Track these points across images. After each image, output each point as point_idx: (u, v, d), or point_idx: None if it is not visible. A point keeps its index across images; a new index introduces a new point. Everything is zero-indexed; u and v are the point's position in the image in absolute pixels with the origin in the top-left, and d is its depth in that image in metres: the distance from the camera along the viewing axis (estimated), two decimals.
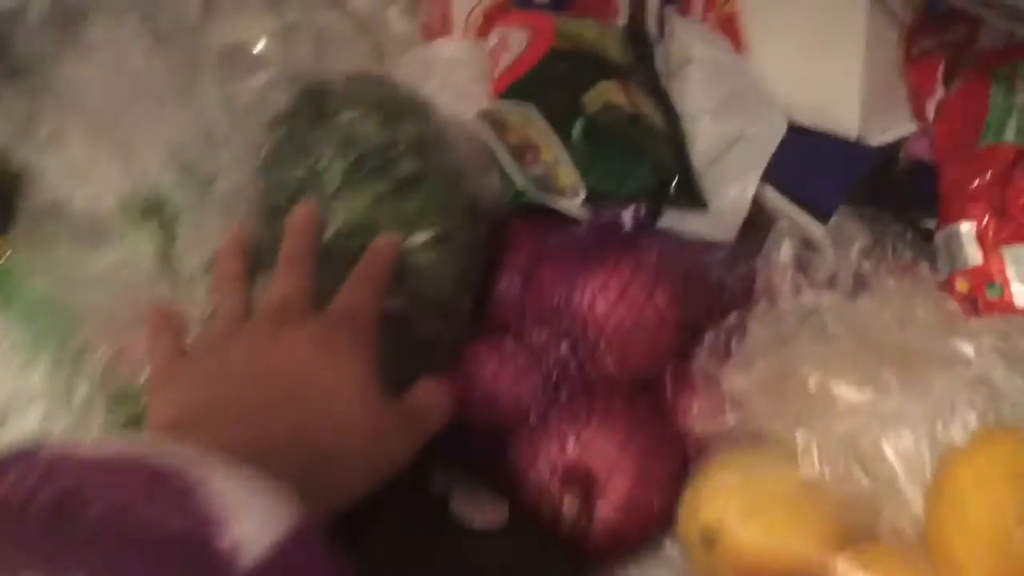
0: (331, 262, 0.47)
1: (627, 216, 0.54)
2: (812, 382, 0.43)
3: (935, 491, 0.39)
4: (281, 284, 0.46)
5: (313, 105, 0.50)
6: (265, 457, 0.32)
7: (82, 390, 0.51)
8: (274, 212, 0.49)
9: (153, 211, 0.49)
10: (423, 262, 0.50)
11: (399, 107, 0.51)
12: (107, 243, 0.52)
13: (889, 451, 0.41)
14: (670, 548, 0.48)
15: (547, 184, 0.59)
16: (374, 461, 0.40)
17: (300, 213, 0.48)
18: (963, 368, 0.42)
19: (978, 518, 0.37)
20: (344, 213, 0.48)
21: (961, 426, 0.41)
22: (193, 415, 0.39)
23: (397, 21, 0.80)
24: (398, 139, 0.49)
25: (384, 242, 0.49)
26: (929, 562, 0.39)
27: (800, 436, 0.42)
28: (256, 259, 0.48)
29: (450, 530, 0.43)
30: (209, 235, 0.48)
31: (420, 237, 0.50)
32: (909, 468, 0.41)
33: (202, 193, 0.49)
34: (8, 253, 0.56)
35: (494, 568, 0.42)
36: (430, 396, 0.45)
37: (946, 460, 0.39)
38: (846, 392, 0.42)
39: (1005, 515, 0.36)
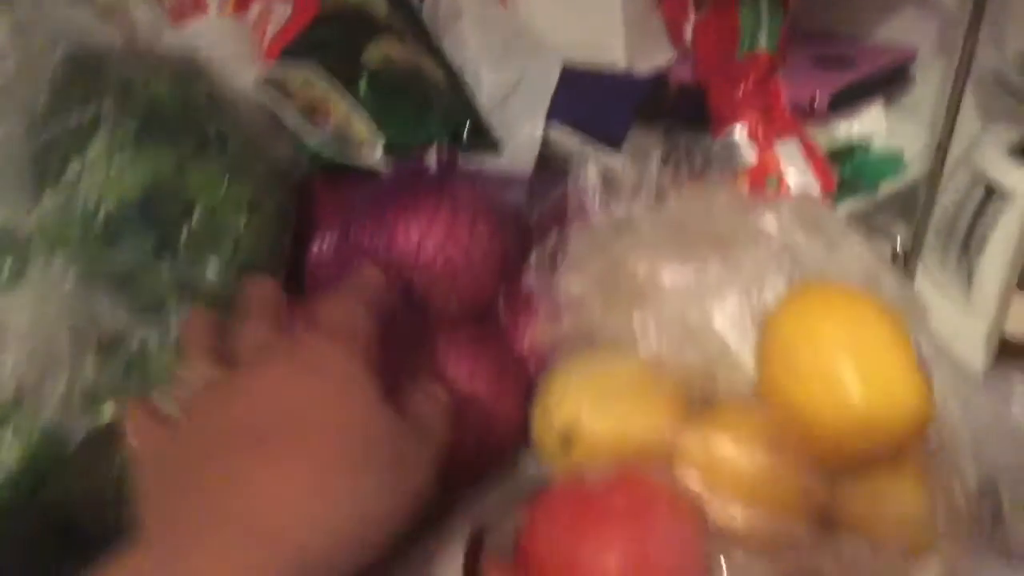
0: (138, 229, 0.45)
1: (432, 159, 0.56)
2: (639, 272, 0.47)
3: (762, 347, 0.44)
4: (253, 328, 0.41)
5: (89, 69, 0.47)
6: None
7: None
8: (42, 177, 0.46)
9: None
10: (239, 223, 0.49)
11: (186, 69, 0.50)
12: None
13: (716, 322, 0.46)
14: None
15: (343, 141, 0.60)
16: (405, 488, 0.38)
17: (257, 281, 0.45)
18: (768, 241, 0.48)
19: (804, 358, 0.42)
20: (143, 176, 0.46)
21: (773, 290, 0.46)
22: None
23: (141, 8, 0.77)
24: (192, 98, 0.48)
25: (369, 271, 0.47)
26: (766, 413, 0.44)
27: (636, 320, 0.46)
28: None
29: None
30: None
31: (231, 199, 0.49)
32: (735, 334, 0.45)
33: None
34: None
35: None
36: (431, 404, 0.43)
37: (769, 317, 0.44)
38: (670, 277, 0.46)
39: (825, 349, 0.42)
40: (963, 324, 0.60)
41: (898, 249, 0.61)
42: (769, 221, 0.48)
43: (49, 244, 0.45)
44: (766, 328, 0.44)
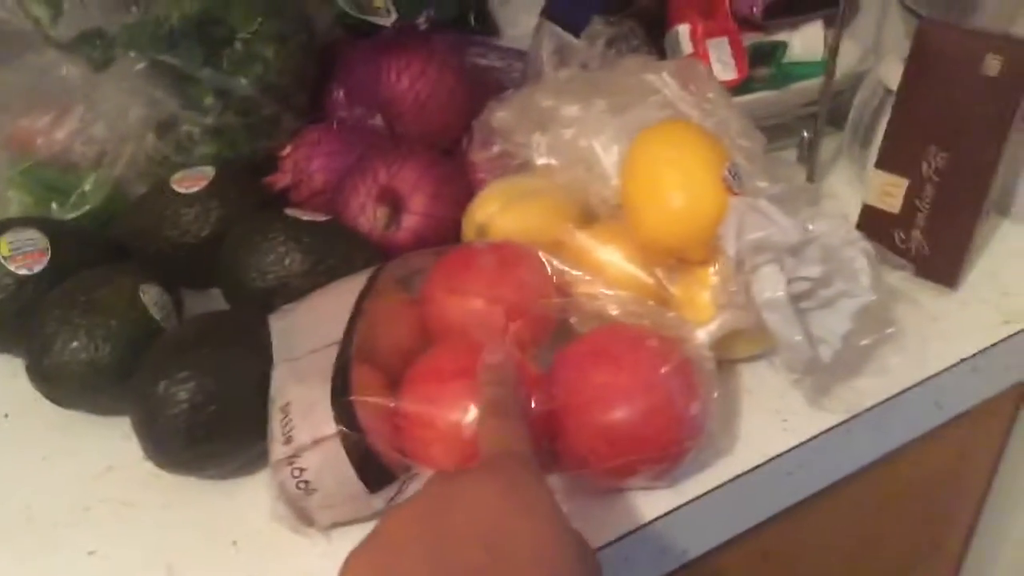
0: (192, 43, 0.64)
1: (421, 20, 0.72)
2: (544, 106, 0.62)
3: (623, 166, 0.59)
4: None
5: None
6: None
7: None
8: None
9: None
10: (268, 53, 0.67)
11: None
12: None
13: (598, 148, 0.61)
14: None
15: (363, 6, 0.76)
16: None
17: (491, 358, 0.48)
18: (654, 94, 0.62)
19: (642, 172, 0.57)
20: (199, 4, 0.64)
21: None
22: None
23: None
24: None
25: (491, 360, 0.49)
26: (627, 217, 0.59)
27: (537, 140, 0.61)
28: None
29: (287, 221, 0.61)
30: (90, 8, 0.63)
31: (263, 33, 0.66)
32: (611, 159, 0.61)
33: None
34: None
35: (319, 245, 0.60)
36: None
37: (631, 144, 0.59)
38: (566, 111, 0.62)
39: (657, 165, 0.56)
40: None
41: (804, 135, 0.74)
42: (658, 80, 0.63)
43: (129, 43, 0.63)
44: (627, 152, 0.59)
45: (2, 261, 0.58)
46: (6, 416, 0.59)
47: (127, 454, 0.55)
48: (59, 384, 0.55)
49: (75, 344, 0.54)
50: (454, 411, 0.48)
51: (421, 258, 0.60)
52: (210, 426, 0.51)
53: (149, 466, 0.54)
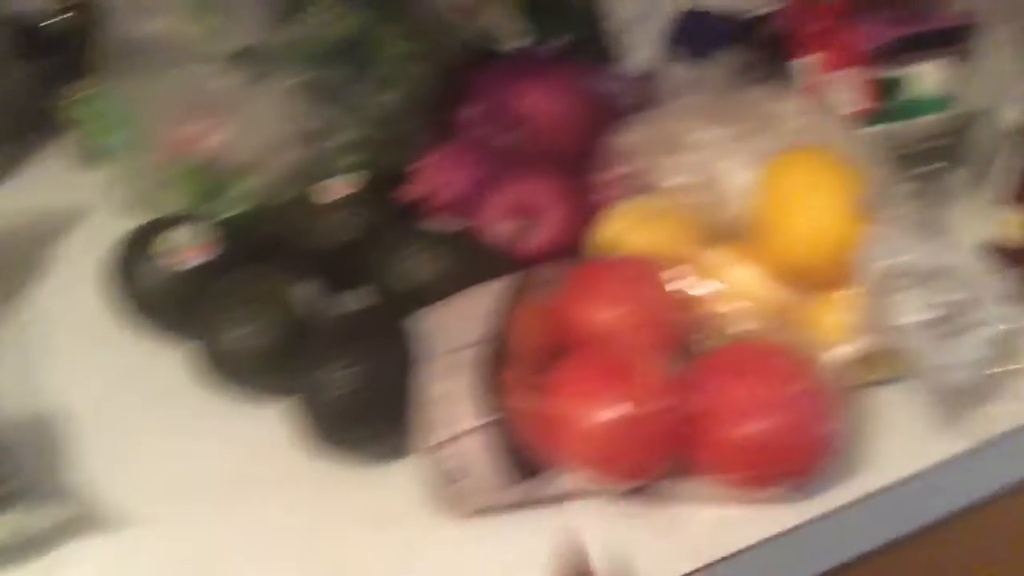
0: (342, 61, 0.68)
1: (553, 48, 0.75)
2: (672, 130, 0.65)
3: (761, 189, 0.61)
4: None
5: None
6: None
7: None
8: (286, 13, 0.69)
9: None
10: (411, 71, 0.71)
11: None
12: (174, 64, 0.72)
13: (725, 173, 0.63)
14: None
15: (493, 33, 0.80)
16: None
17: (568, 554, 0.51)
18: (781, 124, 0.64)
19: (775, 198, 0.59)
20: (351, 25, 0.69)
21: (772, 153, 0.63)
22: None
23: None
24: None
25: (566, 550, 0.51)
26: (757, 239, 0.61)
27: (664, 163, 0.64)
28: None
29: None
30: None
31: (410, 49, 0.71)
32: (737, 184, 0.63)
33: None
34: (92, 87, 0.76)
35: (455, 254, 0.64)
36: None
37: (763, 171, 0.61)
38: (696, 136, 0.64)
39: (788, 192, 0.58)
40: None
41: (927, 169, 0.76)
42: (784, 108, 0.65)
43: (284, 59, 0.68)
44: (762, 177, 0.61)
45: (166, 256, 0.63)
46: (160, 397, 0.64)
47: (277, 434, 0.59)
48: (220, 367, 0.60)
49: (242, 331, 0.60)
50: (592, 414, 0.51)
51: (555, 269, 0.63)
52: (367, 409, 0.56)
53: (300, 450, 0.58)
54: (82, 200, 0.81)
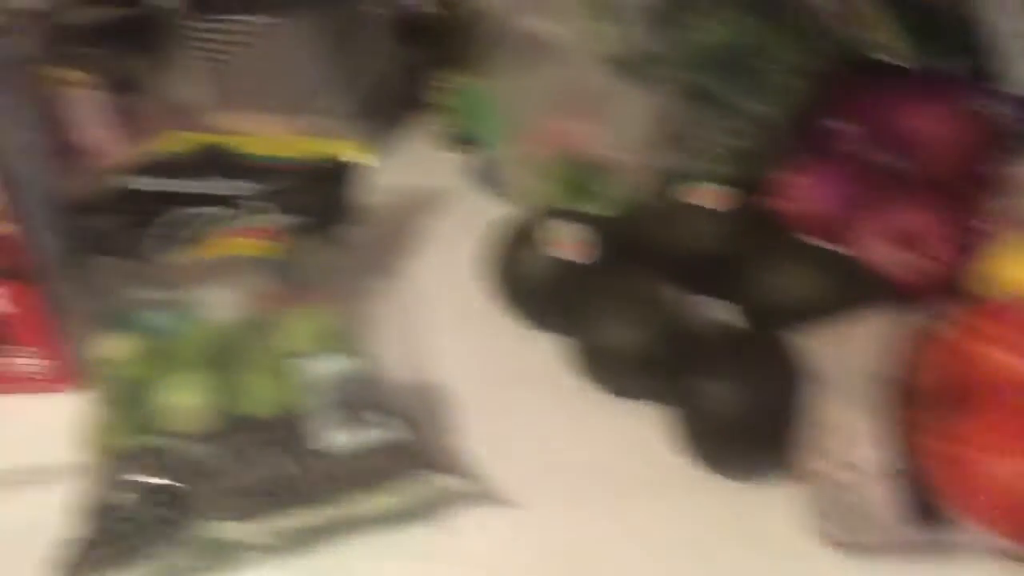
0: (721, 66, 0.69)
1: (938, 67, 0.73)
2: None
3: None
4: None
5: None
6: None
7: None
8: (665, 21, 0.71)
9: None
10: (792, 83, 0.71)
11: None
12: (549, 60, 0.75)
13: None
14: None
15: (873, 46, 0.78)
16: None
17: None
18: None
19: None
20: (731, 32, 0.70)
21: None
22: None
23: None
24: None
25: None
26: None
27: None
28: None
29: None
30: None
31: (788, 63, 0.71)
32: None
33: None
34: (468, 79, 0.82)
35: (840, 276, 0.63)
36: None
37: None
38: None
39: None
40: None
41: None
42: None
43: (673, 62, 0.70)
44: None
45: (553, 248, 0.67)
46: (535, 383, 0.67)
47: (649, 439, 0.61)
48: (601, 364, 0.63)
49: (619, 332, 0.62)
50: (1008, 469, 0.49)
51: (951, 304, 0.61)
52: (749, 427, 0.56)
53: (668, 452, 0.60)
54: (449, 182, 0.87)
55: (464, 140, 0.88)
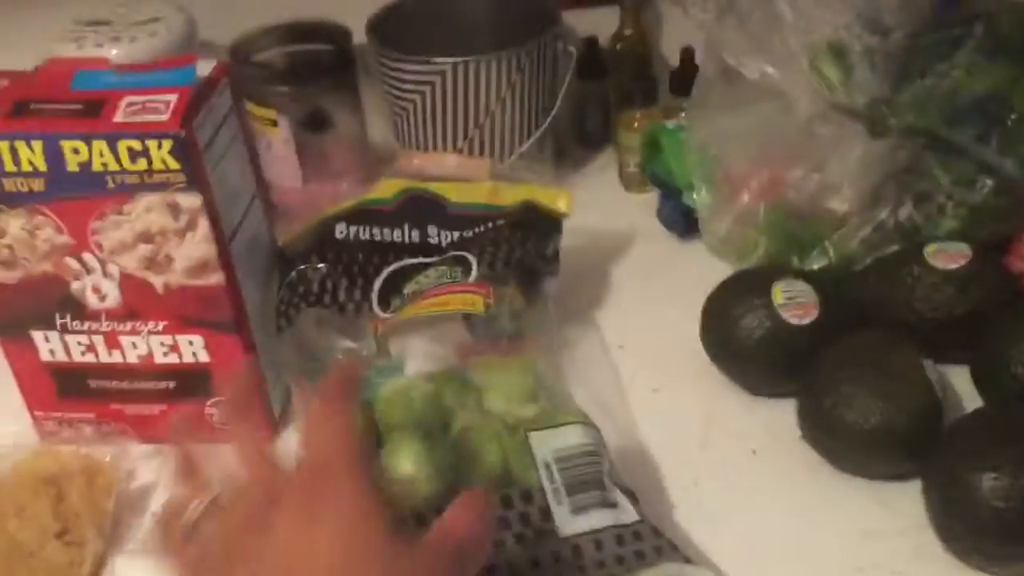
0: (971, 119, 0.64)
1: None
2: None
3: None
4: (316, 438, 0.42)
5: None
6: None
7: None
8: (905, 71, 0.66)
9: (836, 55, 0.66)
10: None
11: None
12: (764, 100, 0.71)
13: None
14: None
15: None
16: None
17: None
18: None
19: None
20: (987, 83, 0.64)
21: None
22: None
23: None
24: None
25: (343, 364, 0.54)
26: None
27: None
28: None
29: None
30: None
31: None
32: None
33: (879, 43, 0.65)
34: (682, 113, 0.78)
35: None
36: (462, 519, 0.42)
37: None
38: None
39: None
40: None
41: None
42: None
43: (914, 113, 0.65)
44: None
45: (777, 308, 0.62)
46: (754, 452, 0.63)
47: (885, 521, 0.57)
48: (841, 439, 0.58)
49: (870, 406, 0.57)
50: None
51: None
52: (1018, 529, 0.51)
53: (911, 539, 0.56)
54: (635, 225, 0.84)
55: (653, 182, 0.84)
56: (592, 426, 0.56)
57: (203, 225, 0.58)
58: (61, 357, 0.64)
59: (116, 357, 0.63)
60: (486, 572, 0.48)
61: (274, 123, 0.81)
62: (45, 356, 0.64)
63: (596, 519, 0.52)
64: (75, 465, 0.64)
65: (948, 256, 0.64)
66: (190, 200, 0.57)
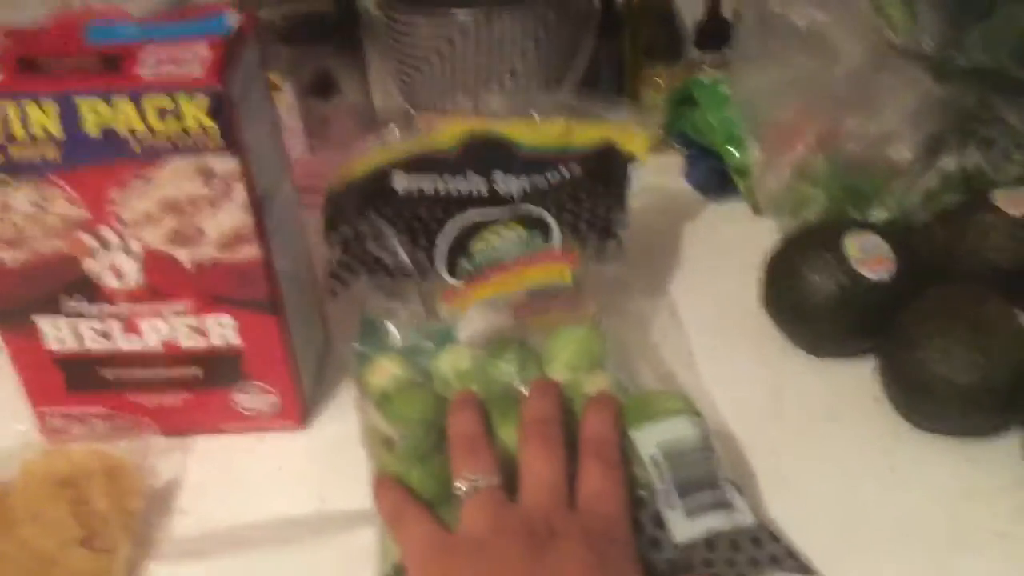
0: None
1: None
2: None
3: None
4: (542, 470, 0.46)
5: None
6: None
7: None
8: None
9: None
10: None
11: None
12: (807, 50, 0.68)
13: None
14: None
15: None
16: None
17: (540, 383, 0.52)
18: None
19: None
20: None
21: None
22: None
23: None
24: None
25: (603, 399, 0.51)
26: None
27: None
28: None
29: None
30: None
31: None
32: None
33: None
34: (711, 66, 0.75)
35: None
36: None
37: None
38: None
39: None
40: None
41: None
42: None
43: (982, 49, 0.62)
44: None
45: (852, 263, 0.59)
46: (831, 418, 0.60)
47: (980, 480, 0.55)
48: (933, 396, 0.55)
49: (969, 359, 0.54)
50: None
51: None
52: None
53: (1012, 497, 0.53)
54: (659, 187, 0.79)
55: (679, 142, 0.81)
56: (699, 415, 0.51)
57: (239, 191, 0.52)
58: (71, 345, 0.58)
59: (135, 343, 0.58)
60: None
61: (278, 88, 0.75)
62: (52, 345, 0.58)
63: (713, 522, 0.47)
64: (93, 464, 0.58)
65: (1018, 201, 0.62)
66: (225, 164, 0.51)
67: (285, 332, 0.59)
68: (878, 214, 0.67)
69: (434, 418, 0.52)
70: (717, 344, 0.65)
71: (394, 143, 0.63)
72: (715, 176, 0.78)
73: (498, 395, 0.53)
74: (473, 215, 0.62)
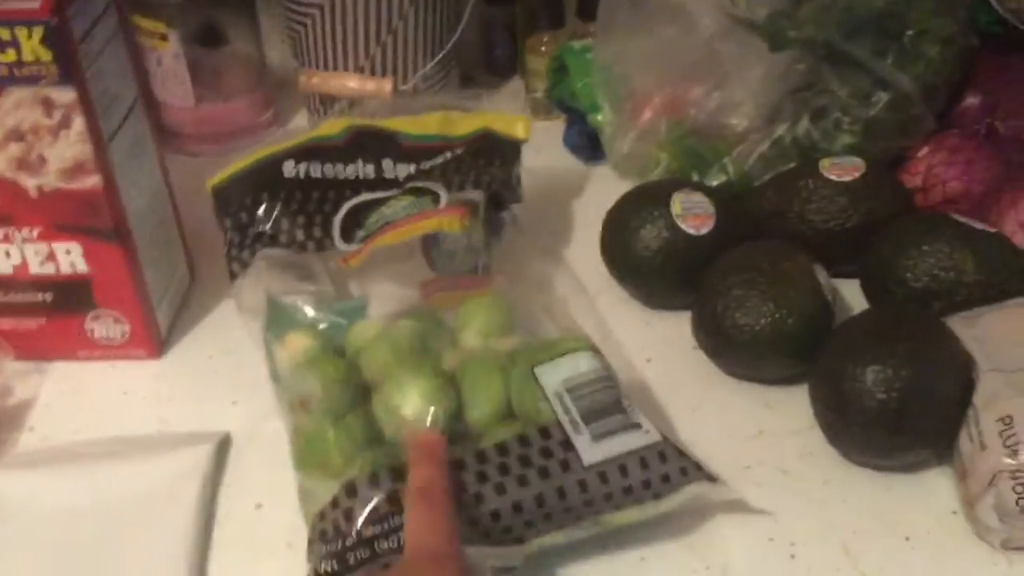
0: (869, 32, 0.66)
1: None
2: None
3: None
4: (428, 540, 0.45)
5: None
6: None
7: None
8: None
9: None
10: (932, 52, 0.69)
11: None
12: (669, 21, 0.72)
13: None
14: None
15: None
16: None
17: (423, 437, 0.51)
18: None
19: None
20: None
21: None
22: None
23: None
24: None
25: (421, 438, 0.51)
26: None
27: None
28: None
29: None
30: None
31: (936, 29, 0.67)
32: None
33: None
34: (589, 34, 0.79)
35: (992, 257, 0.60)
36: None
37: None
38: None
39: None
40: None
41: None
42: None
43: (814, 25, 0.67)
44: None
45: (675, 219, 0.64)
46: (648, 361, 0.65)
47: (773, 422, 0.60)
48: (731, 342, 0.60)
49: (763, 309, 0.59)
50: None
51: None
52: (901, 419, 0.53)
53: (798, 439, 0.58)
54: (538, 150, 0.83)
55: (559, 107, 0.85)
56: (597, 350, 0.55)
57: (78, 122, 0.56)
58: None
59: None
60: (512, 509, 0.49)
61: (163, 37, 0.79)
62: None
63: (619, 444, 0.51)
64: None
65: (842, 169, 0.66)
66: (64, 95, 0.55)
67: (133, 262, 0.63)
68: (716, 178, 0.71)
69: (347, 378, 0.55)
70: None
71: (280, 138, 0.67)
72: (585, 139, 0.82)
73: (406, 354, 0.55)
74: (365, 197, 0.66)
